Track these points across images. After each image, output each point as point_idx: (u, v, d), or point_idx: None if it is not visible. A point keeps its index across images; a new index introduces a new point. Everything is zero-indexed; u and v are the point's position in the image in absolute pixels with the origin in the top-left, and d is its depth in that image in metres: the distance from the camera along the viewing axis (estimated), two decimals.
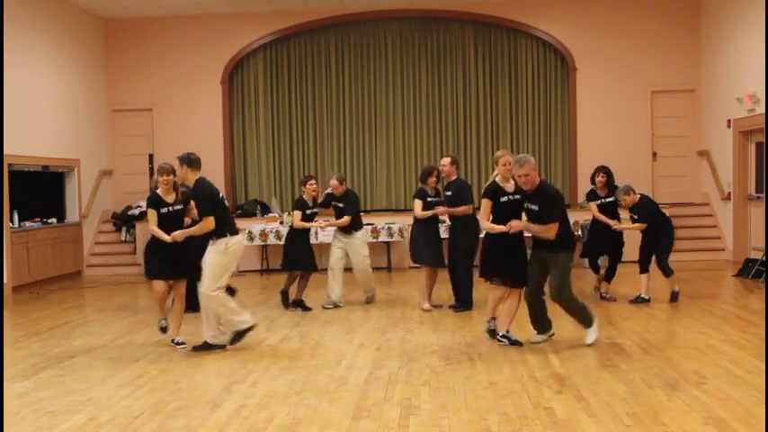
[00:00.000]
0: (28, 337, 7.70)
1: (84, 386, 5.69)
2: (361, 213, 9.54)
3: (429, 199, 8.63)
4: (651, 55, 13.65)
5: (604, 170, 9.11)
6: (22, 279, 11.23)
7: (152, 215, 6.97)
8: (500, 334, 6.64)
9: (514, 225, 6.36)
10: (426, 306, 8.61)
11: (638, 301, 8.76)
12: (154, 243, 7.06)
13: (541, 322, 6.73)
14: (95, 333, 7.86)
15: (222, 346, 6.77)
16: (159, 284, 7.05)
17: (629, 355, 6.23)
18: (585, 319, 6.56)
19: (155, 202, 7.01)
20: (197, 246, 6.88)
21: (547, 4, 13.89)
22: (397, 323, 7.90)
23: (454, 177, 8.51)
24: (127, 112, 14.43)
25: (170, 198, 7.12)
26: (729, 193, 12.60)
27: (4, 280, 10.74)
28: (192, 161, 6.74)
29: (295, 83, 14.41)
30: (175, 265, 6.98)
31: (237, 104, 14.54)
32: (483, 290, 9.49)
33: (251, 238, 12.40)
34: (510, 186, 6.67)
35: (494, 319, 6.84)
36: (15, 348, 7.17)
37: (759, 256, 10.60)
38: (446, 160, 8.56)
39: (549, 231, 6.24)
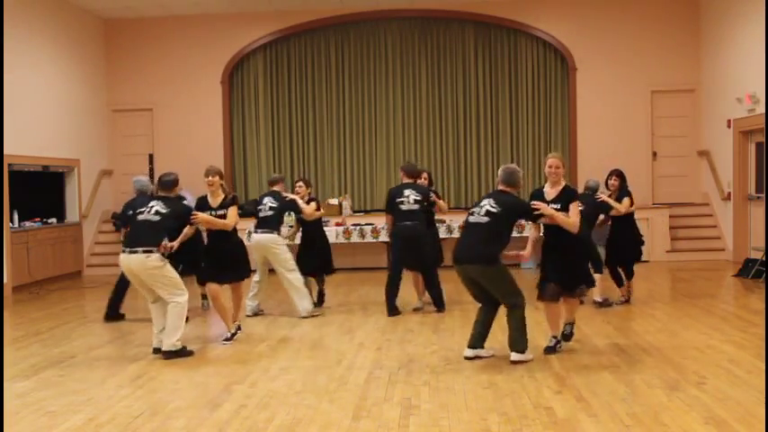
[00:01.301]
0: (28, 337, 7.70)
1: (84, 386, 5.70)
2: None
3: None
4: (651, 55, 13.65)
5: (617, 173, 8.74)
6: (22, 279, 11.23)
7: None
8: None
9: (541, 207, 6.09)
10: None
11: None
12: (207, 247, 7.32)
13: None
14: (95, 333, 7.87)
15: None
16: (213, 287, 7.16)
17: (629, 355, 6.23)
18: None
19: (199, 205, 7.19)
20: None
21: (547, 4, 13.88)
22: (397, 323, 7.90)
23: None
24: (127, 112, 14.42)
25: (215, 201, 7.15)
26: (729, 193, 12.60)
27: (4, 280, 10.74)
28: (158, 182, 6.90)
29: (295, 83, 14.40)
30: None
31: (237, 104, 14.54)
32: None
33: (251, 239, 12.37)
34: (552, 193, 6.26)
35: (555, 337, 6.41)
36: (15, 348, 7.17)
37: (759, 256, 10.59)
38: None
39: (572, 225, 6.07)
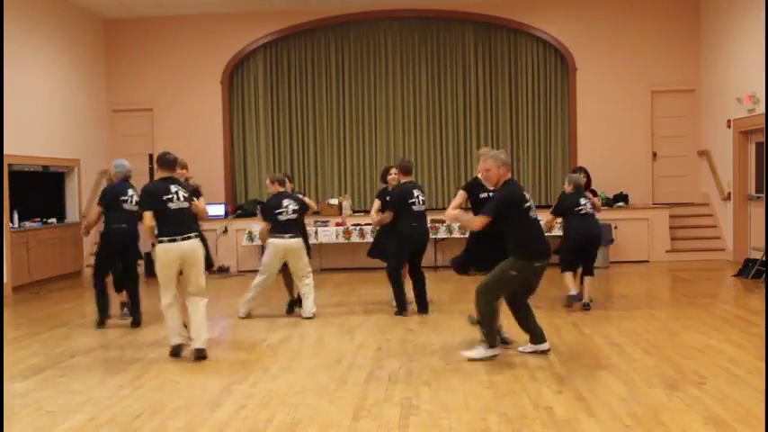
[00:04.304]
0: (28, 337, 7.70)
1: (84, 386, 5.69)
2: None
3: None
4: (651, 55, 13.65)
5: (585, 171, 8.79)
6: (22, 279, 11.23)
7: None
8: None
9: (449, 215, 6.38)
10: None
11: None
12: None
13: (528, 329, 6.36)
14: (95, 333, 7.86)
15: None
16: None
17: (629, 355, 6.23)
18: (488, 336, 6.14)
19: None
20: None
21: (547, 4, 13.88)
22: (397, 323, 7.90)
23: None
24: (127, 112, 14.43)
25: None
26: (729, 193, 12.60)
27: (4, 280, 10.75)
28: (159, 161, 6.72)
29: (295, 83, 14.40)
30: None
31: (237, 104, 14.54)
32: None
33: (251, 239, 12.40)
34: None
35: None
36: (15, 348, 7.17)
37: (759, 256, 10.59)
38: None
39: (472, 223, 6.14)
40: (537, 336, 6.29)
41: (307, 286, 8.28)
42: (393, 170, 8.70)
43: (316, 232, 12.03)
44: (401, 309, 8.28)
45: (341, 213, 13.12)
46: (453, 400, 5.06)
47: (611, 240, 12.27)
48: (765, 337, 6.56)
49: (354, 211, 13.53)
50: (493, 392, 5.22)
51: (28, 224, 11.71)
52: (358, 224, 12.51)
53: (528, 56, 14.14)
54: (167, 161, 6.63)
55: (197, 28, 14.17)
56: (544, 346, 6.26)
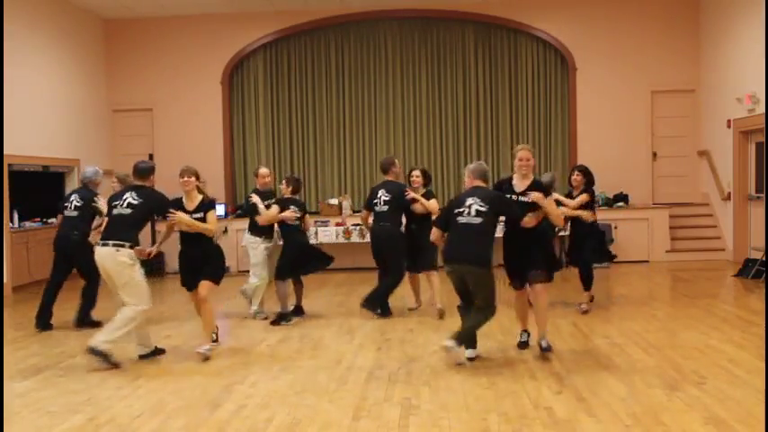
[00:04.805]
0: (28, 337, 7.70)
1: (84, 386, 5.70)
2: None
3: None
4: (651, 55, 13.65)
5: (580, 169, 8.49)
6: (22, 279, 11.22)
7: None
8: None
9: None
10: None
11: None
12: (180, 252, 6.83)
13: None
14: (95, 333, 7.84)
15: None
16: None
17: (629, 355, 6.23)
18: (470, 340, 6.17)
19: (174, 207, 6.54)
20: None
21: (547, 4, 13.88)
22: (396, 323, 7.90)
23: None
24: (127, 112, 14.43)
25: (191, 204, 6.63)
26: (729, 193, 12.60)
27: (4, 280, 10.75)
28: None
29: (295, 83, 14.40)
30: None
31: (237, 104, 14.54)
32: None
33: None
34: (521, 186, 6.27)
35: (525, 331, 6.59)
36: (15, 348, 7.17)
37: (759, 256, 10.59)
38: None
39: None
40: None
41: (251, 284, 8.29)
42: (415, 172, 8.46)
43: (316, 232, 12.02)
44: (381, 312, 8.31)
45: (341, 213, 13.11)
46: (453, 400, 5.06)
47: (612, 240, 12.29)
48: (765, 337, 6.56)
49: (354, 211, 13.51)
50: (493, 392, 5.22)
51: (28, 224, 11.72)
52: (358, 224, 12.48)
53: (528, 56, 14.14)
54: (136, 170, 6.54)
55: (197, 28, 14.17)
56: (468, 353, 6.11)
